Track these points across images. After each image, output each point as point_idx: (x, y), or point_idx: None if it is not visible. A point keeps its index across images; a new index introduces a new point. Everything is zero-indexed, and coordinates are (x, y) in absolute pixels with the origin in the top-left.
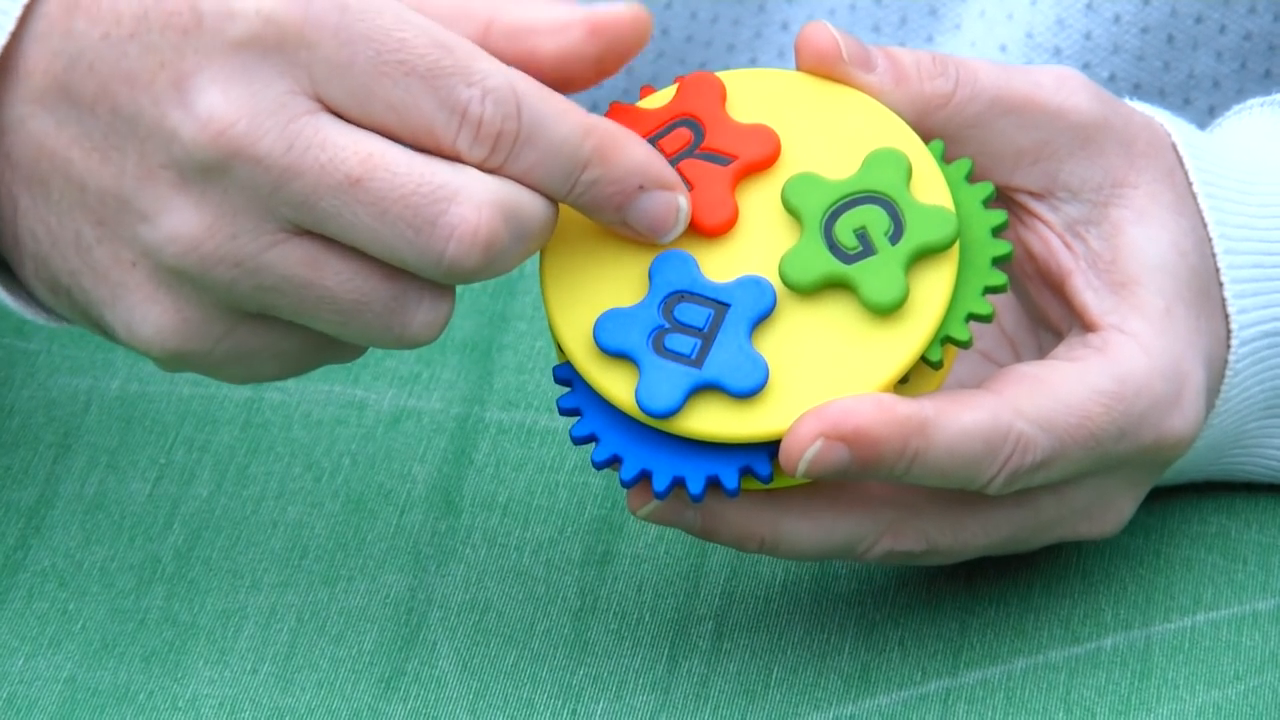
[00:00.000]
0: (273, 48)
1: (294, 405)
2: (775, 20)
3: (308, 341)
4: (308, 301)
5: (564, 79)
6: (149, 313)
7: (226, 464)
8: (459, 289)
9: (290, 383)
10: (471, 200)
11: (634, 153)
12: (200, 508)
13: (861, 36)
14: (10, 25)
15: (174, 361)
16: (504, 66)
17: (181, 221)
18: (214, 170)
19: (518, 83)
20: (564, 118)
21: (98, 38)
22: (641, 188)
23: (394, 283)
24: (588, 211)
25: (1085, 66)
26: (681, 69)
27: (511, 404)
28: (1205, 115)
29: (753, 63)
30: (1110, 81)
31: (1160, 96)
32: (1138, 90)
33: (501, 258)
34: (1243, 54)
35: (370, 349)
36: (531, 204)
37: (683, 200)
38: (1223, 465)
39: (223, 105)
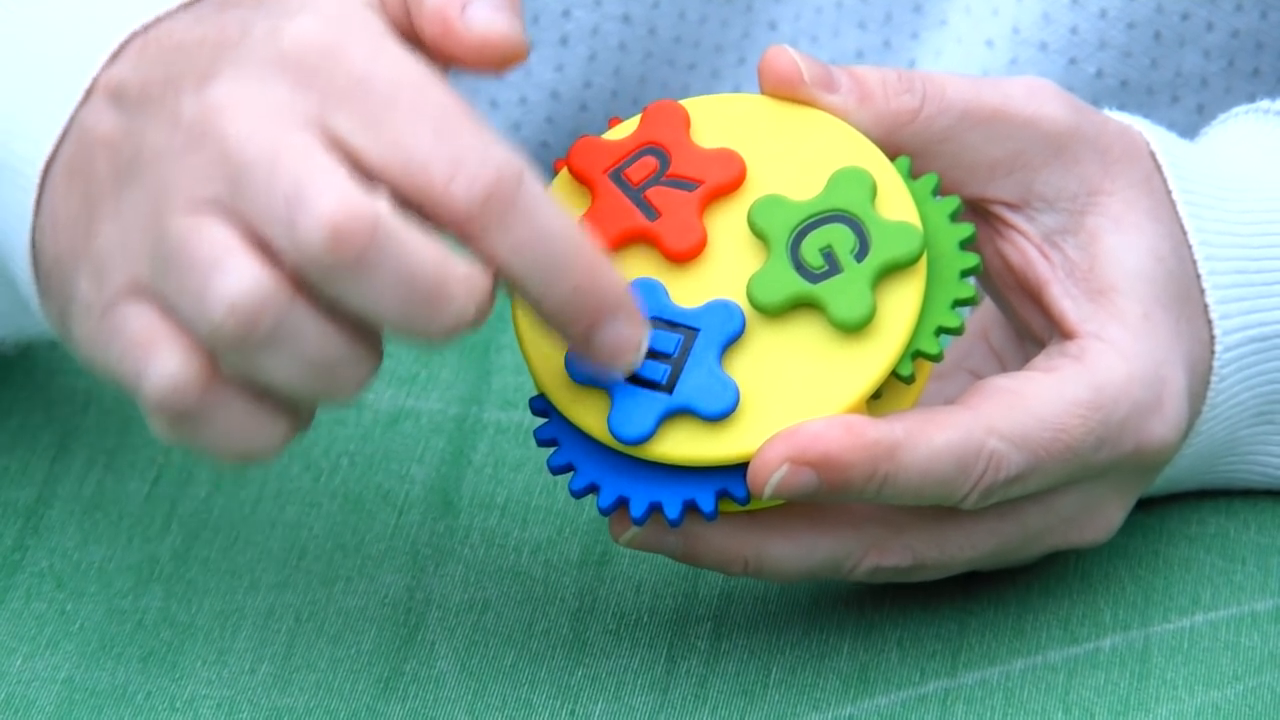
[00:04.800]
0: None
1: None
2: (763, 20)
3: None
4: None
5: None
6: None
7: (225, 464)
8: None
9: None
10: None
11: (614, 277)
12: (198, 508)
13: (848, 34)
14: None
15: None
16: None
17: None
18: None
19: (522, 161)
20: (560, 213)
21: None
22: (616, 311)
23: None
24: (565, 317)
25: (1071, 62)
26: (669, 69)
27: (510, 404)
28: (1194, 113)
29: (741, 61)
30: (1097, 78)
31: (1148, 94)
32: (1125, 87)
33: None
34: (1230, 51)
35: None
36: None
37: (645, 339)
38: (1218, 474)
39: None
